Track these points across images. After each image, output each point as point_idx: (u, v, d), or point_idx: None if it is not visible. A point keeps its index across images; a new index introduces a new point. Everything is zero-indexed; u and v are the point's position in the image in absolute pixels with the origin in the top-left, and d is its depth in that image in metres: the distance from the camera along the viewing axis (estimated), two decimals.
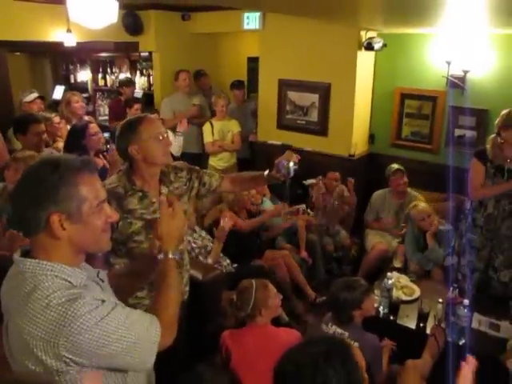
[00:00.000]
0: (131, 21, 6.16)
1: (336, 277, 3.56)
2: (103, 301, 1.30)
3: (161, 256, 1.61)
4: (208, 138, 5.42)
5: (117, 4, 4.06)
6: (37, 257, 1.31)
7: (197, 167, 2.49)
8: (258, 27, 5.61)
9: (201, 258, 3.65)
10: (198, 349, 2.93)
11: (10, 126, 4.42)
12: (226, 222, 3.68)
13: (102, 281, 1.50)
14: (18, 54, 7.56)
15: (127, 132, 2.18)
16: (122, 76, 7.11)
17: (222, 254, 3.85)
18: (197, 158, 5.48)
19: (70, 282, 1.31)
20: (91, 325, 1.23)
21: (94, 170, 1.37)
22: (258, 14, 5.53)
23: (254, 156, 5.95)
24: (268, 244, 4.44)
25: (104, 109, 7.23)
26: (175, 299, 1.54)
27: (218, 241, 3.70)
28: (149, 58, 6.70)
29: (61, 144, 3.99)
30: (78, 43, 5.55)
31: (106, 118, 6.61)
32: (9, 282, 1.38)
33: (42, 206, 1.26)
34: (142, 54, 6.81)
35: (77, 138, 3.60)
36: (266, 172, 2.45)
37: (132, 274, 1.82)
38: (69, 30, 5.33)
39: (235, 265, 3.93)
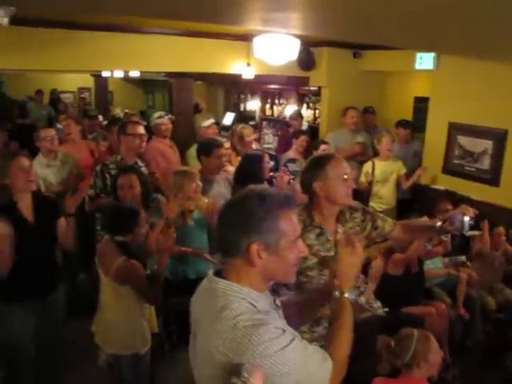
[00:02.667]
0: (305, 57, 6.43)
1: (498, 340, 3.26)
2: (284, 330, 1.35)
3: (336, 294, 1.62)
4: (367, 177, 5.33)
5: (298, 43, 4.30)
6: (229, 278, 1.42)
7: (370, 209, 2.48)
8: (431, 67, 5.47)
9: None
10: None
11: (191, 146, 4.90)
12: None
13: (279, 308, 1.58)
14: (199, 82, 8.32)
15: (314, 168, 2.25)
16: (289, 108, 7.43)
17: (373, 296, 3.76)
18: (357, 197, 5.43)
19: (255, 306, 1.38)
20: (272, 352, 1.29)
21: (294, 206, 1.45)
22: (432, 54, 5.40)
23: (414, 198, 5.74)
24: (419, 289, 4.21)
25: (268, 137, 7.61)
26: (347, 340, 1.54)
27: (373, 281, 3.63)
28: (317, 93, 6.91)
29: (230, 168, 4.27)
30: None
31: (270, 145, 6.95)
32: (201, 296, 1.53)
33: (245, 233, 1.37)
34: (311, 88, 7.03)
35: (252, 166, 3.81)
36: (438, 224, 2.36)
37: (303, 305, 1.86)
38: (248, 64, 5.76)
39: (386, 309, 3.81)
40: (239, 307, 1.35)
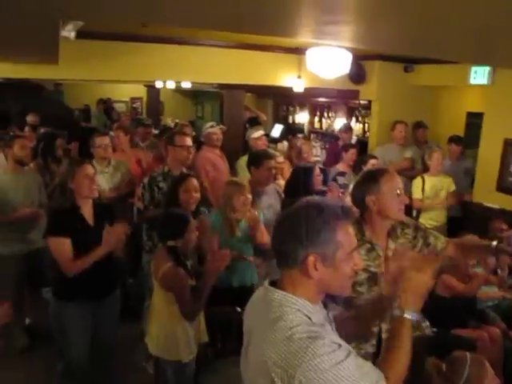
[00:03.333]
0: (356, 70, 6.40)
1: None
2: (340, 345, 1.34)
3: (397, 312, 1.58)
4: (417, 193, 5.23)
5: (350, 56, 4.29)
6: (284, 289, 1.43)
7: (422, 226, 2.44)
8: (486, 82, 5.34)
9: None
10: None
11: (240, 157, 4.96)
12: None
13: (332, 321, 1.57)
14: (249, 94, 8.42)
15: (368, 182, 2.23)
16: (338, 121, 7.41)
17: (421, 314, 3.67)
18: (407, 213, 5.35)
19: (310, 318, 1.38)
20: (327, 367, 1.27)
21: (350, 218, 1.45)
22: (487, 69, 5.26)
23: (466, 216, 5.58)
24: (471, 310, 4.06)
25: (316, 150, 7.60)
26: (404, 362, 1.50)
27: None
28: (367, 106, 6.86)
29: (281, 182, 4.29)
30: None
31: (318, 158, 6.94)
32: (255, 306, 1.54)
33: (302, 244, 1.38)
34: (361, 101, 7.00)
35: (297, 179, 3.85)
36: (494, 243, 2.29)
37: (352, 321, 1.84)
38: (299, 77, 5.80)
39: (434, 329, 3.71)
40: (294, 318, 1.35)
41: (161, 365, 2.99)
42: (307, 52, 4.32)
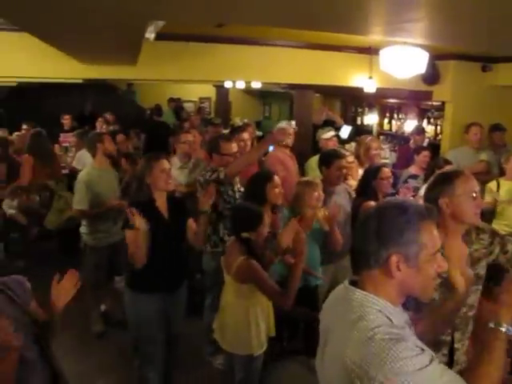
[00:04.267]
0: (429, 71, 6.21)
1: None
2: (423, 349, 1.30)
3: (491, 325, 1.50)
4: (488, 197, 5.00)
5: (427, 55, 4.17)
6: (365, 289, 1.41)
7: (500, 232, 2.33)
8: None
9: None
10: None
11: (309, 157, 4.95)
12: None
13: (411, 325, 1.53)
14: (317, 95, 8.39)
15: (442, 184, 2.15)
16: (408, 123, 7.22)
17: None
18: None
19: (391, 320, 1.35)
20: (410, 371, 1.23)
21: (435, 219, 1.42)
22: None
23: None
24: None
25: (385, 152, 7.44)
26: (494, 377, 1.41)
27: None
28: (440, 108, 6.65)
29: (351, 182, 4.25)
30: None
31: (387, 161, 6.79)
32: (334, 305, 1.53)
33: (384, 244, 1.36)
34: (433, 103, 6.79)
35: (368, 179, 3.81)
36: None
37: (426, 327, 1.78)
38: (370, 77, 5.70)
39: None
40: (376, 319, 1.33)
41: (230, 359, 3.04)
42: (381, 52, 4.24)
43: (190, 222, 3.24)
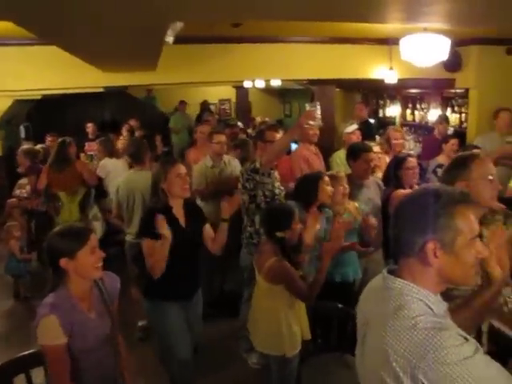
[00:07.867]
0: (451, 57, 6.09)
1: None
2: (466, 339, 1.26)
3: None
4: None
5: (449, 42, 4.09)
6: (403, 277, 1.39)
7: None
8: None
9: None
10: None
11: (333, 151, 4.91)
12: None
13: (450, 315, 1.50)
14: (337, 89, 8.33)
15: (458, 168, 2.15)
16: (432, 112, 7.10)
17: None
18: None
19: (431, 308, 1.33)
20: (454, 360, 1.20)
21: (471, 204, 1.39)
22: None
23: None
24: None
25: (409, 143, 7.34)
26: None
27: None
28: (464, 95, 6.52)
29: (379, 174, 4.20)
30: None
31: (412, 152, 6.68)
32: (373, 295, 1.51)
33: (420, 232, 1.34)
34: (457, 90, 6.67)
35: (393, 169, 3.75)
36: None
37: (458, 316, 1.72)
38: (391, 68, 5.63)
39: None
40: (417, 308, 1.31)
41: (265, 360, 3.03)
42: (401, 40, 4.19)
43: (208, 228, 3.16)
